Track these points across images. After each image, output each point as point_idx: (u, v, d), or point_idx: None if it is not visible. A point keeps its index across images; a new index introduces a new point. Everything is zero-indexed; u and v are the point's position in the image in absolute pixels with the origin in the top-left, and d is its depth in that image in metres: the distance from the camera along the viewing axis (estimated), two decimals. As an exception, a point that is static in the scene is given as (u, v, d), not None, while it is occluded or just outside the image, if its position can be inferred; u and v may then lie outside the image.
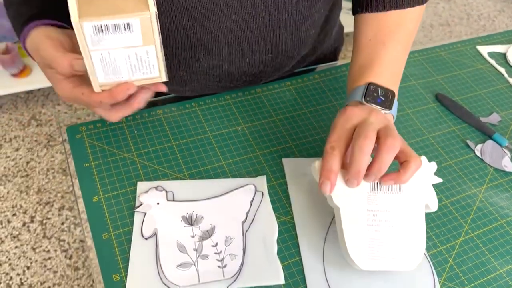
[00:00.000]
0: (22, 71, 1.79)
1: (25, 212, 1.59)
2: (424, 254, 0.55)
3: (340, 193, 0.50)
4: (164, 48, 0.59)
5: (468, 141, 0.69)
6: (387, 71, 0.56)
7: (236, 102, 0.68)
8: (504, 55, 0.85)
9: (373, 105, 0.53)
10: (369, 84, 0.54)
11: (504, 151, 0.68)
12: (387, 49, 0.57)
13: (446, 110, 0.73)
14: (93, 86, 0.48)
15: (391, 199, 0.51)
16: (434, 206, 0.52)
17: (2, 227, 1.54)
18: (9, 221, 1.56)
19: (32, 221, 1.56)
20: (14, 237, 1.52)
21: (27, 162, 1.72)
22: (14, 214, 1.58)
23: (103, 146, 0.60)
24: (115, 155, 0.59)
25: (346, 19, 0.89)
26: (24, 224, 1.56)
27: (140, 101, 0.52)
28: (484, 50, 0.85)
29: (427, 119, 0.71)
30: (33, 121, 1.86)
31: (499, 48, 0.86)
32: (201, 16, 0.57)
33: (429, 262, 0.55)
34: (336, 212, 0.51)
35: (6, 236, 1.51)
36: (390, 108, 0.54)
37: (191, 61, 0.63)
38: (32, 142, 1.79)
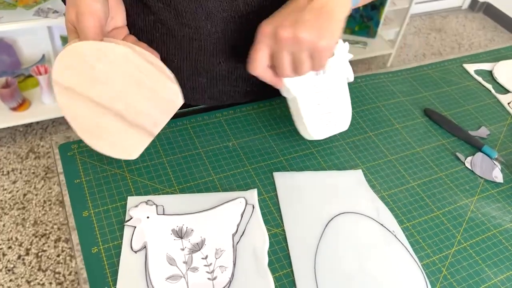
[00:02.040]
0: (21, 105, 1.82)
1: (20, 245, 1.57)
2: (418, 264, 0.55)
3: (294, 84, 0.58)
4: (186, 55, 0.63)
5: (458, 154, 0.69)
6: None
7: (227, 119, 0.69)
8: (490, 72, 0.87)
9: None
10: None
11: (494, 163, 0.68)
12: None
13: (435, 125, 0.74)
14: None
15: (325, 78, 0.61)
16: (351, 77, 0.63)
17: (-4, 260, 1.52)
18: (4, 254, 1.54)
19: (27, 254, 1.55)
20: (9, 270, 1.50)
21: (24, 195, 1.72)
22: (10, 247, 1.56)
23: (94, 163, 0.60)
24: (106, 171, 0.59)
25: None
26: (19, 257, 1.54)
27: None
28: (471, 68, 0.87)
29: (416, 133, 0.72)
30: (31, 153, 1.87)
31: (485, 66, 0.88)
32: (224, 20, 0.59)
33: (422, 272, 0.54)
34: (293, 102, 0.60)
35: (0, 270, 1.49)
36: None
37: (213, 66, 0.65)
38: (29, 174, 1.79)
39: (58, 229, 1.63)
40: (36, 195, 1.73)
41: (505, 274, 0.55)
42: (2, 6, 1.61)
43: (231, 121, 0.68)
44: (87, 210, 0.55)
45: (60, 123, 2.00)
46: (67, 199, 0.56)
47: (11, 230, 1.61)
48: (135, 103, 0.53)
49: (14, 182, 1.76)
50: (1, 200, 1.69)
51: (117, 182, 0.58)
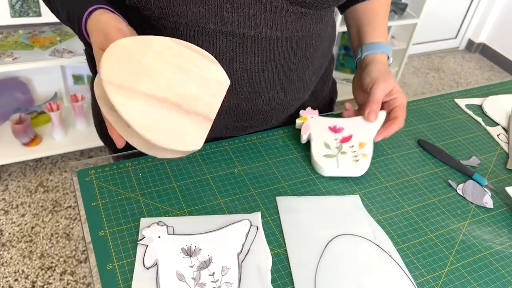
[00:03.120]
0: (33, 140, 1.88)
1: (27, 277, 1.59)
2: (412, 283, 0.58)
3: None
4: None
5: (450, 181, 0.73)
6: (382, 29, 0.81)
7: (233, 148, 0.74)
8: (480, 107, 0.92)
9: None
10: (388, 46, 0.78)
11: (485, 190, 0.72)
12: (380, 13, 0.81)
13: (428, 154, 0.78)
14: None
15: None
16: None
17: (3, 292, 1.53)
18: (10, 287, 1.55)
19: (33, 286, 1.56)
20: (15, 302, 1.51)
21: (32, 228, 1.75)
22: (16, 280, 1.58)
23: (110, 187, 0.65)
24: (120, 194, 0.64)
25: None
26: (25, 290, 1.55)
27: None
28: (462, 102, 0.92)
29: (411, 162, 0.76)
30: (40, 187, 1.91)
31: (475, 101, 0.93)
32: (230, 59, 0.65)
33: (417, 290, 0.57)
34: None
35: (6, 301, 1.51)
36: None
37: None
38: (38, 208, 1.83)
39: (64, 261, 1.65)
40: (44, 228, 1.76)
41: (496, 293, 0.58)
42: (20, 47, 1.71)
43: (236, 150, 0.73)
44: (103, 230, 0.59)
45: (69, 158, 2.06)
46: (84, 219, 0.60)
47: (18, 263, 1.63)
48: (187, 90, 0.53)
49: (23, 215, 1.80)
50: (10, 233, 1.73)
51: (131, 205, 0.63)
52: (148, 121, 0.49)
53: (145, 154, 0.70)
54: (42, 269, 1.62)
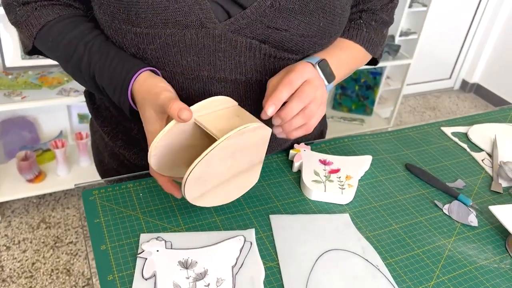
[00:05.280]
0: (37, 177, 1.93)
1: (26, 313, 1.59)
2: (400, 295, 0.61)
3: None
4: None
5: (436, 202, 0.77)
6: (338, 61, 0.73)
7: (229, 171, 0.78)
8: (465, 134, 0.97)
9: (320, 72, 0.68)
10: (324, 60, 0.69)
11: (470, 209, 0.76)
12: (343, 53, 0.75)
13: (415, 177, 0.82)
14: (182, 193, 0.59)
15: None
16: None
17: (1, 328, 1.53)
18: (9, 322, 1.55)
19: (32, 322, 1.56)
20: (13, 338, 1.50)
21: (33, 263, 1.76)
22: (15, 315, 1.58)
23: (112, 206, 0.69)
24: (122, 212, 0.68)
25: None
26: (23, 325, 1.55)
27: None
28: (448, 130, 0.97)
29: (398, 184, 0.80)
30: (42, 224, 1.94)
31: (461, 129, 0.98)
32: (233, 82, 0.68)
33: (404, 301, 0.60)
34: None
35: (4, 337, 1.50)
36: (328, 82, 0.69)
37: None
38: (39, 243, 1.85)
39: (64, 297, 1.65)
40: (44, 263, 1.77)
41: (480, 304, 0.61)
42: (29, 86, 1.79)
43: (232, 173, 0.78)
44: (104, 245, 0.62)
45: (72, 194, 2.09)
46: (87, 234, 0.64)
47: (17, 299, 1.63)
48: (245, 158, 0.62)
49: (24, 251, 1.81)
50: (11, 269, 1.74)
51: (131, 222, 0.66)
52: (221, 197, 0.64)
53: (146, 176, 0.75)
54: (41, 305, 1.62)
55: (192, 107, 0.58)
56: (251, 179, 0.66)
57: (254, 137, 0.60)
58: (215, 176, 0.59)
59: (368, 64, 0.86)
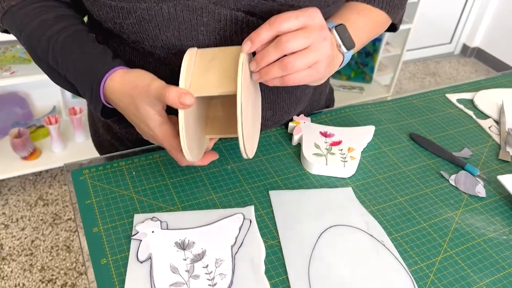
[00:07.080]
0: (32, 154, 1.89)
1: (27, 290, 1.59)
2: (406, 270, 0.58)
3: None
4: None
5: (442, 172, 0.74)
6: (356, 27, 0.66)
7: (226, 146, 0.74)
8: (471, 101, 0.93)
9: (338, 37, 0.61)
10: (342, 24, 0.62)
11: (477, 180, 0.73)
12: (361, 18, 0.68)
13: (420, 147, 0.79)
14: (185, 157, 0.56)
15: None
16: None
17: (3, 306, 1.53)
18: (11, 300, 1.55)
19: (34, 299, 1.56)
20: (15, 315, 1.50)
21: (32, 241, 1.75)
22: (17, 293, 1.58)
23: (104, 186, 0.65)
24: (114, 192, 0.65)
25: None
26: (25, 303, 1.55)
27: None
28: (453, 97, 0.93)
29: (403, 155, 0.77)
30: (40, 201, 1.92)
31: (466, 95, 0.94)
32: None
33: (411, 278, 0.57)
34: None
35: (7, 315, 1.50)
36: (347, 49, 0.62)
37: None
38: (38, 221, 1.83)
39: (65, 274, 1.65)
40: (44, 241, 1.76)
41: (490, 279, 0.58)
42: (18, 61, 1.73)
43: (229, 147, 0.74)
44: (97, 227, 0.60)
45: (68, 170, 2.06)
46: (78, 217, 0.61)
47: (18, 276, 1.63)
48: (251, 83, 0.59)
49: (23, 229, 1.80)
50: (10, 247, 1.72)
51: (125, 202, 0.63)
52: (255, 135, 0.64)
53: (138, 153, 0.71)
54: (42, 282, 1.61)
55: (180, 84, 0.54)
56: (254, 147, 0.63)
57: (247, 57, 0.56)
58: (250, 119, 0.59)
59: (386, 30, 0.79)
